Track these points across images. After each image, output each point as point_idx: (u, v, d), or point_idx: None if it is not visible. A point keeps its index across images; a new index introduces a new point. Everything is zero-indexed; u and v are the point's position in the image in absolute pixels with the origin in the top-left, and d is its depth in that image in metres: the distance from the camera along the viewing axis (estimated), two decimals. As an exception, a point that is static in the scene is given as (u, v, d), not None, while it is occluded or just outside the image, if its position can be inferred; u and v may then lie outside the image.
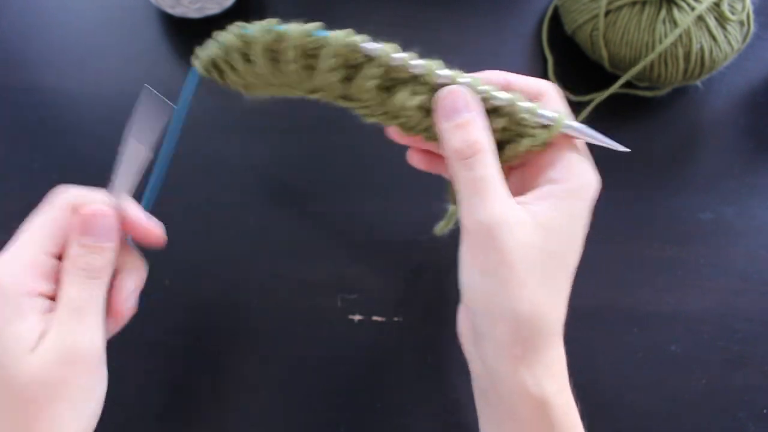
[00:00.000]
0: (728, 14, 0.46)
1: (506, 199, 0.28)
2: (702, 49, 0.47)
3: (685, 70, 0.48)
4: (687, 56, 0.47)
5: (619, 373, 0.44)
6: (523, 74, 0.52)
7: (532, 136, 0.30)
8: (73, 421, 0.27)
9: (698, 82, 0.51)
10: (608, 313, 0.45)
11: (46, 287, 0.27)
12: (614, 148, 0.32)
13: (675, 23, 0.46)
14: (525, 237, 0.27)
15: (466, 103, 0.29)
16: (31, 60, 0.49)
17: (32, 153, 0.46)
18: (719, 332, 0.45)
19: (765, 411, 0.44)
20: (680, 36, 0.46)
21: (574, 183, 0.29)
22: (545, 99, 0.31)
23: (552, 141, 0.30)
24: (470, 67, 0.52)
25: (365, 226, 0.46)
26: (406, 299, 0.44)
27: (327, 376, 0.43)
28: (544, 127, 0.30)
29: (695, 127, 0.51)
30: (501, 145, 0.30)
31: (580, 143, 0.31)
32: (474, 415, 0.44)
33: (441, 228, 0.41)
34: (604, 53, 0.49)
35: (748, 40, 0.49)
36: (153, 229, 0.31)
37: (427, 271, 0.45)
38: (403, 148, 0.49)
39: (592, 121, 0.51)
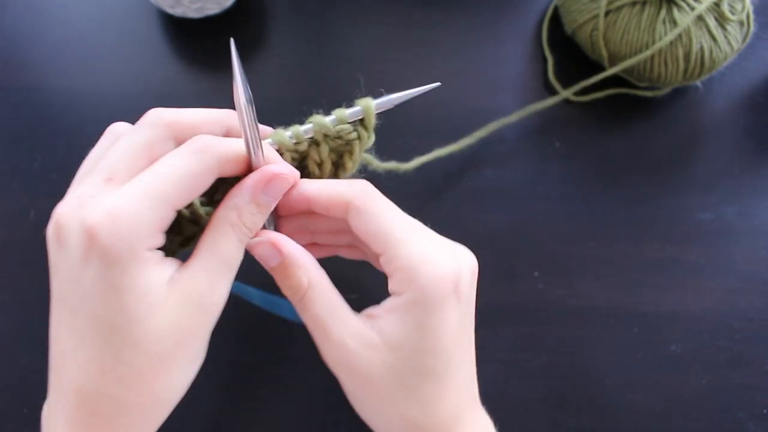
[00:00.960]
0: (728, 14, 0.46)
1: (350, 327, 0.28)
2: (702, 49, 0.47)
3: (685, 70, 0.48)
4: (687, 56, 0.47)
5: (619, 373, 0.44)
6: (523, 74, 0.52)
7: (358, 137, 0.30)
8: (189, 374, 0.27)
9: (698, 82, 0.51)
10: (608, 313, 0.45)
11: (162, 240, 0.26)
12: (429, 88, 0.32)
13: (675, 23, 0.46)
14: (376, 359, 0.27)
15: (274, 249, 0.28)
16: (32, 60, 0.49)
17: (32, 153, 0.46)
18: (719, 332, 0.45)
19: (765, 411, 0.44)
20: (680, 36, 0.46)
21: (415, 291, 0.27)
22: (351, 210, 0.29)
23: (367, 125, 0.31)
24: (470, 66, 0.52)
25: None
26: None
27: (327, 376, 0.43)
28: (362, 122, 0.30)
29: (695, 127, 0.51)
30: (338, 164, 0.31)
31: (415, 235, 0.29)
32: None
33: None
34: (604, 53, 0.49)
35: (748, 40, 0.49)
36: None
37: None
38: (405, 149, 0.49)
39: (591, 121, 0.51)
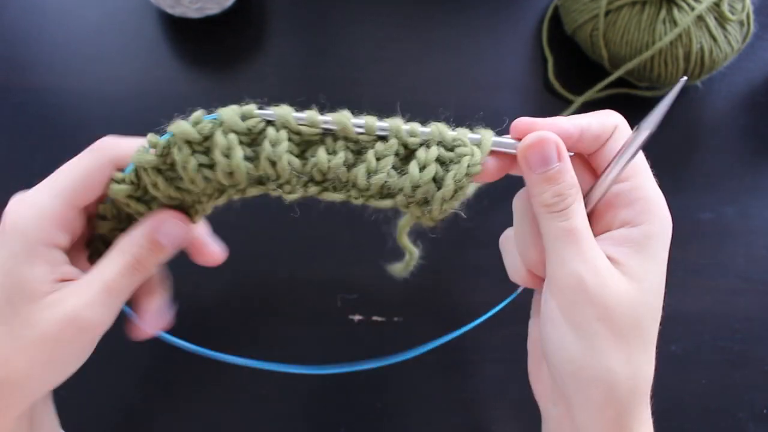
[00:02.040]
0: (728, 14, 0.46)
1: (598, 249, 0.27)
2: (702, 49, 0.47)
3: (685, 70, 0.48)
4: (687, 56, 0.47)
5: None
6: (523, 74, 0.52)
7: (469, 154, 0.29)
8: (55, 382, 0.27)
9: (698, 82, 0.51)
10: (608, 313, 0.45)
11: (63, 239, 0.27)
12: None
13: (675, 23, 0.46)
14: (621, 290, 0.26)
15: (557, 152, 0.27)
16: (32, 60, 0.49)
17: (32, 153, 0.46)
18: (719, 332, 0.45)
19: (765, 411, 0.44)
20: (680, 36, 0.46)
21: (655, 225, 0.27)
22: (617, 132, 0.29)
23: (512, 162, 0.29)
24: (470, 66, 0.52)
25: (366, 226, 0.46)
26: (406, 299, 0.44)
27: (327, 377, 0.43)
28: (477, 146, 0.29)
29: (695, 127, 0.51)
30: (439, 179, 0.29)
31: (648, 177, 0.29)
32: (474, 416, 0.44)
33: (400, 270, 0.38)
34: (604, 53, 0.49)
35: (748, 40, 0.49)
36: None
37: (427, 271, 0.45)
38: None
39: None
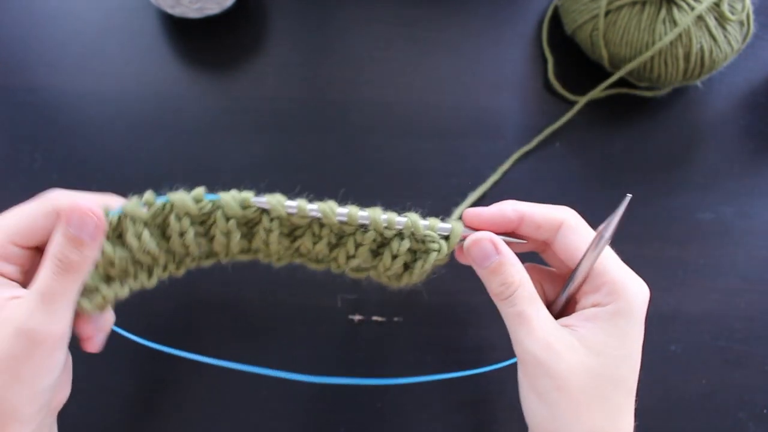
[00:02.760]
0: (728, 14, 0.46)
1: (551, 326, 0.29)
2: (702, 49, 0.47)
3: (685, 70, 0.48)
4: (687, 56, 0.47)
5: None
6: (523, 74, 0.52)
7: (437, 250, 0.32)
8: (30, 400, 0.28)
9: (698, 82, 0.51)
10: (608, 313, 0.45)
11: (8, 270, 0.29)
12: (517, 241, 0.33)
13: (675, 23, 0.46)
14: (576, 361, 0.28)
15: (493, 248, 0.30)
16: (32, 60, 0.49)
17: (32, 153, 0.46)
18: (719, 332, 0.45)
19: (765, 411, 0.44)
20: (680, 36, 0.46)
21: (621, 304, 0.29)
22: (564, 227, 0.32)
23: (461, 249, 0.32)
24: (470, 66, 0.52)
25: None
26: (406, 299, 0.44)
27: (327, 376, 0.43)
28: (446, 238, 0.32)
29: (695, 127, 0.51)
30: (408, 265, 0.33)
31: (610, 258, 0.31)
32: (473, 417, 0.44)
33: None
34: (604, 53, 0.49)
35: (748, 40, 0.49)
36: None
37: (427, 271, 0.45)
38: (404, 149, 0.49)
39: (591, 121, 0.51)
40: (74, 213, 0.28)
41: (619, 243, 0.48)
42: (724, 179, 0.50)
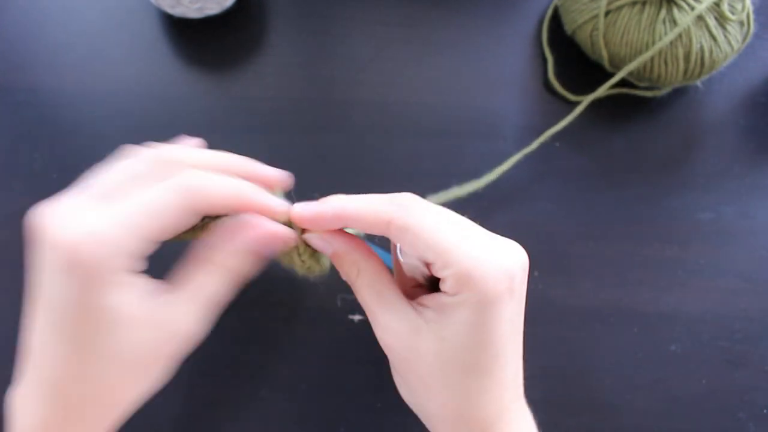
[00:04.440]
0: (728, 14, 0.46)
1: (397, 312, 0.29)
2: (702, 49, 0.47)
3: (685, 70, 0.48)
4: (687, 56, 0.47)
5: (619, 373, 0.44)
6: (523, 74, 0.52)
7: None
8: (149, 389, 0.29)
9: (698, 82, 0.51)
10: (608, 313, 0.45)
11: (143, 265, 0.27)
12: (354, 232, 0.33)
13: (675, 23, 0.46)
14: (422, 345, 0.28)
15: (324, 244, 0.30)
16: (32, 60, 0.49)
17: (32, 153, 0.46)
18: (719, 332, 0.45)
19: (765, 411, 0.44)
20: (680, 36, 0.46)
21: (468, 294, 0.27)
22: (392, 228, 0.29)
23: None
24: (470, 66, 0.52)
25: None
26: (406, 299, 0.44)
27: (327, 376, 0.43)
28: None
29: (695, 127, 0.51)
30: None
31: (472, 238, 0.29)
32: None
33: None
34: (604, 53, 0.49)
35: (748, 40, 0.49)
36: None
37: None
38: (404, 149, 0.49)
39: (591, 121, 0.51)
40: (265, 237, 0.29)
41: (619, 243, 0.48)
42: (724, 179, 0.50)
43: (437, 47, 0.52)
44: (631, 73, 0.49)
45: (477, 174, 0.48)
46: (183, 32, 0.51)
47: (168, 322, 0.27)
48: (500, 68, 0.52)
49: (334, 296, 0.44)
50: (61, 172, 0.46)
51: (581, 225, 0.47)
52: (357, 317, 0.44)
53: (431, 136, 0.49)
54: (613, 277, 0.46)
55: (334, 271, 0.46)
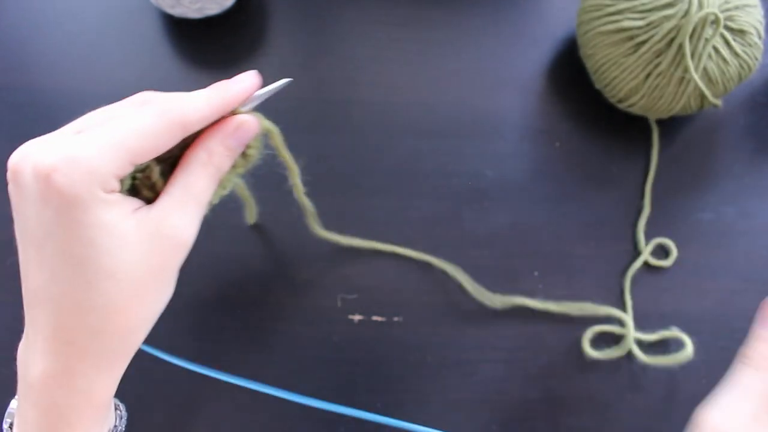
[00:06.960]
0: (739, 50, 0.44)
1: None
2: (716, 82, 0.45)
3: (701, 106, 0.47)
4: (699, 97, 0.45)
5: (619, 373, 0.44)
6: (523, 74, 0.52)
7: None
8: (160, 305, 0.28)
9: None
10: (608, 313, 0.45)
11: (118, 187, 0.26)
12: (281, 85, 0.35)
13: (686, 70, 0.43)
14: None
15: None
16: (32, 60, 0.49)
17: (32, 153, 0.46)
18: (719, 332, 0.45)
19: (765, 411, 0.44)
20: (693, 87, 0.44)
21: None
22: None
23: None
24: (470, 66, 0.52)
25: (365, 225, 0.46)
26: (406, 299, 0.44)
27: (327, 376, 0.43)
28: None
29: (695, 128, 0.51)
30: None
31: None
32: (474, 416, 0.44)
33: (250, 218, 0.44)
34: (612, 95, 0.48)
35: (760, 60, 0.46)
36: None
37: (427, 271, 0.45)
38: (404, 149, 0.49)
39: (591, 122, 0.51)
40: (242, 127, 0.30)
41: (619, 242, 0.48)
42: (724, 179, 0.50)
43: (437, 47, 0.52)
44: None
45: (477, 173, 0.48)
46: (183, 32, 0.51)
47: (162, 231, 0.26)
48: (500, 68, 0.52)
49: (334, 296, 0.44)
50: (61, 172, 0.46)
51: (581, 225, 0.47)
52: (357, 317, 0.44)
53: (431, 136, 0.49)
54: (613, 277, 0.46)
55: (334, 271, 0.46)
